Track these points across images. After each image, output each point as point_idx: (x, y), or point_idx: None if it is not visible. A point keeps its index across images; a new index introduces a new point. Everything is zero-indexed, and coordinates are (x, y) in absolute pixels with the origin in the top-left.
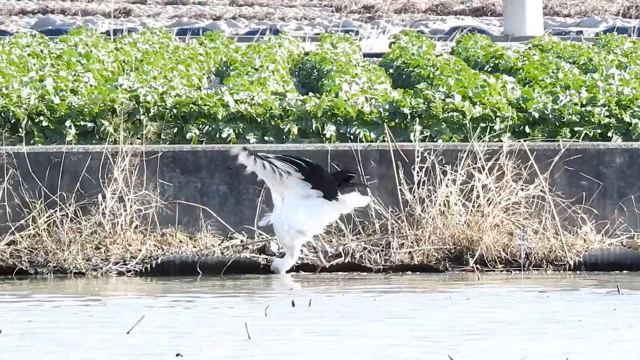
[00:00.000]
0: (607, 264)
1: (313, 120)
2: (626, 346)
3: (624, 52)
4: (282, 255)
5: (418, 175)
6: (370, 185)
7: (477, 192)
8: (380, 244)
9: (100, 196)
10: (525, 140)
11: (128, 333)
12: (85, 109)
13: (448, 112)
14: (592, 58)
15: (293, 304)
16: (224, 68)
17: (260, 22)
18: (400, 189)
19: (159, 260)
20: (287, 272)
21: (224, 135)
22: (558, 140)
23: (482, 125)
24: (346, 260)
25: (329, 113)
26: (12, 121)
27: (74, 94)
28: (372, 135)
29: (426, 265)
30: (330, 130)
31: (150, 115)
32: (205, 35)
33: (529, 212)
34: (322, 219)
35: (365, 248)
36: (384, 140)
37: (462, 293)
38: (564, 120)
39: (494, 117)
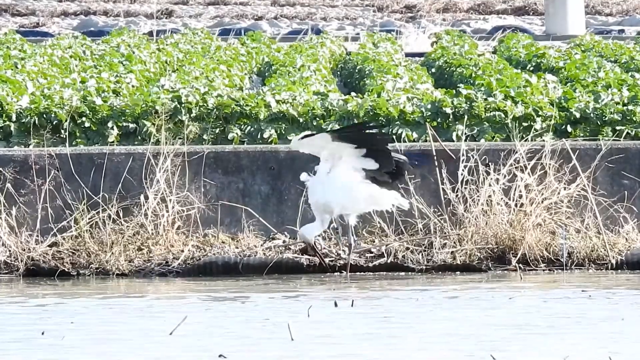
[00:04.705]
0: None
1: (355, 120)
2: None
3: None
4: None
5: (462, 175)
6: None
7: (520, 191)
8: (423, 244)
9: (142, 197)
10: (567, 140)
11: (171, 334)
12: (127, 110)
13: (490, 112)
14: (633, 57)
15: (336, 305)
16: (266, 68)
17: (302, 22)
18: (442, 189)
19: (201, 261)
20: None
21: (265, 135)
22: (600, 139)
23: (524, 124)
24: (389, 261)
25: (371, 113)
26: (54, 122)
27: (116, 95)
28: (414, 135)
29: (469, 264)
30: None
31: (192, 115)
32: (247, 36)
33: (571, 211)
34: (353, 202)
35: (407, 248)
36: (426, 140)
37: (504, 292)
38: (606, 119)
39: (535, 117)
